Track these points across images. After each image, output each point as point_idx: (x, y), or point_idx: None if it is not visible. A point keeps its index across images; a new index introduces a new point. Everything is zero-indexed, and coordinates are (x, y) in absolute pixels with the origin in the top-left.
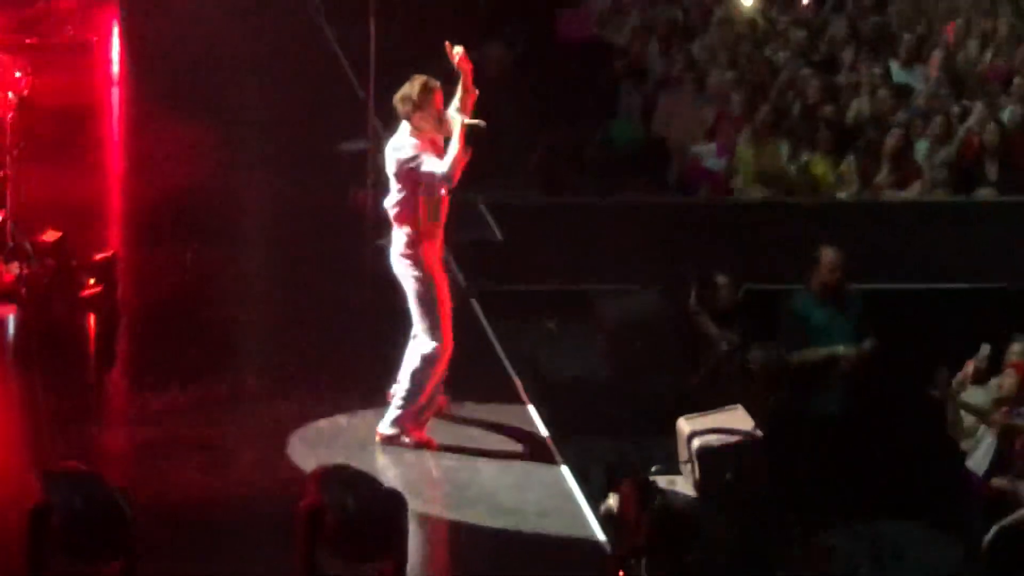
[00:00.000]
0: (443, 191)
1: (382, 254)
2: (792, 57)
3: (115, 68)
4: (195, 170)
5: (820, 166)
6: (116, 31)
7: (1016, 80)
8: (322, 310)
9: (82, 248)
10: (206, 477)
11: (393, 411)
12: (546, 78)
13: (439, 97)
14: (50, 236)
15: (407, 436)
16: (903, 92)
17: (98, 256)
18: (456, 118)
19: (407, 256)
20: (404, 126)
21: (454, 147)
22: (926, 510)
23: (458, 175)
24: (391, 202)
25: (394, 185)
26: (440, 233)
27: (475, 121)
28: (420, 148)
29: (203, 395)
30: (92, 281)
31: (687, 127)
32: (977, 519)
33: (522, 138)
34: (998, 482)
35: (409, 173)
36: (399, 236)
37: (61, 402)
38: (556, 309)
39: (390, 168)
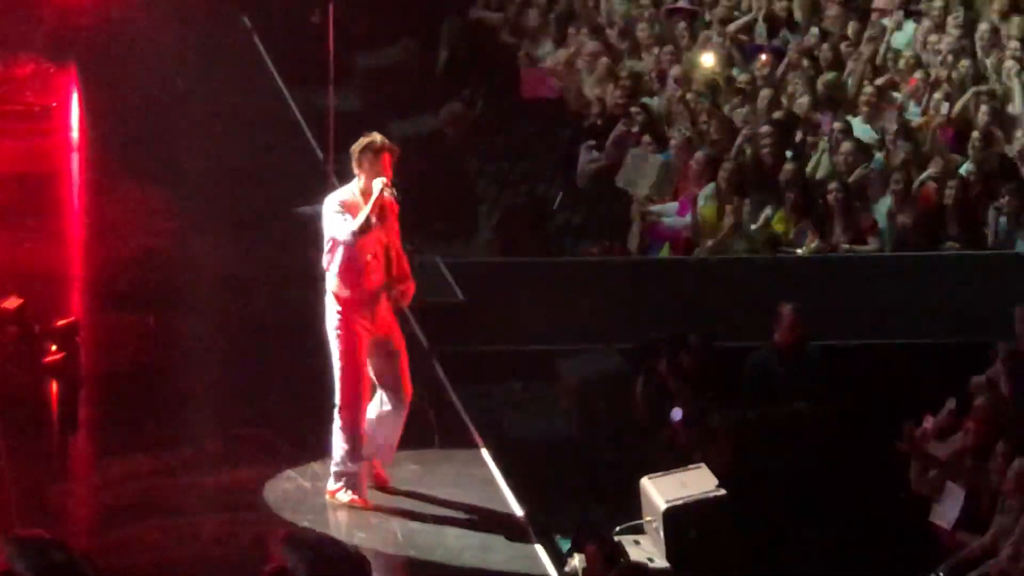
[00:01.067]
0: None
1: None
2: (751, 114)
3: (75, 134)
4: (155, 235)
5: (781, 223)
6: (75, 97)
7: (973, 135)
8: (283, 374)
9: (44, 314)
10: (170, 542)
11: (333, 470)
12: (507, 137)
13: (386, 158)
14: (11, 303)
15: (346, 495)
16: (863, 148)
17: (60, 322)
18: (377, 184)
19: (329, 323)
20: (353, 181)
21: (363, 212)
22: (893, 565)
23: (360, 239)
24: (324, 266)
25: (325, 248)
26: (381, 299)
27: (391, 190)
28: (342, 207)
29: (165, 460)
30: (54, 347)
31: (653, 185)
32: (944, 573)
33: (483, 197)
34: (964, 536)
35: (328, 234)
36: (328, 300)
37: (24, 468)
38: (520, 370)
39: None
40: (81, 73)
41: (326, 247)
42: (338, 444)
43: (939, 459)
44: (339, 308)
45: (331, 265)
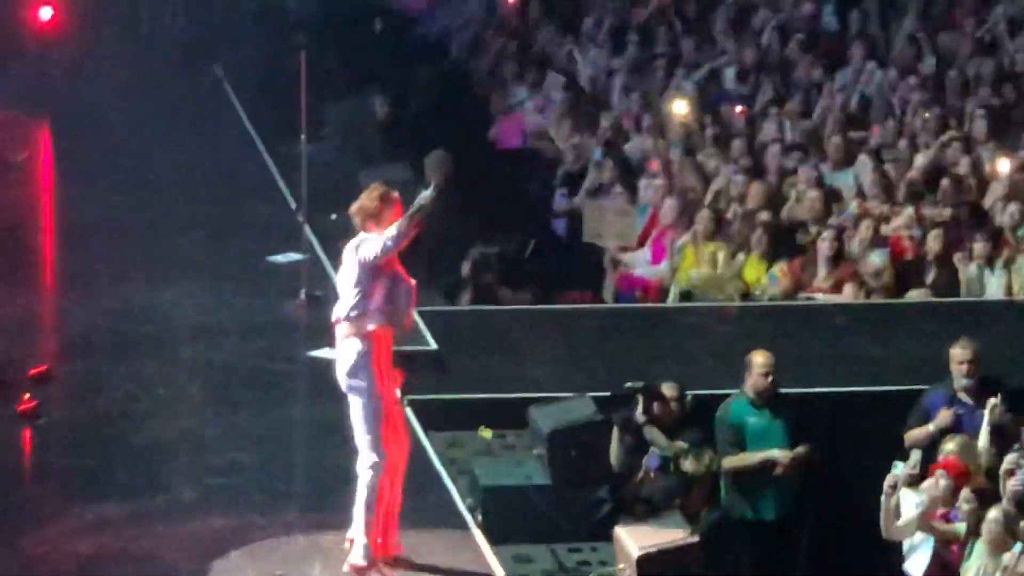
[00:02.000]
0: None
1: (316, 366)
2: (724, 163)
3: (47, 185)
4: (127, 284)
5: (753, 270)
6: (47, 149)
7: (943, 182)
8: (256, 422)
9: (17, 363)
10: None
11: (360, 542)
12: (480, 185)
13: (398, 207)
14: None
15: (379, 573)
16: (835, 195)
17: (33, 371)
18: (427, 193)
19: (357, 368)
20: (360, 236)
21: (405, 217)
22: None
23: (402, 241)
24: (348, 310)
25: (352, 291)
26: (390, 344)
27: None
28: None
29: (139, 508)
30: (27, 395)
31: (619, 234)
32: None
33: (456, 245)
34: None
35: (363, 261)
36: (350, 347)
37: None
38: (492, 417)
39: (347, 274)
40: (53, 125)
41: (353, 294)
42: (368, 520)
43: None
44: (371, 346)
45: (365, 303)
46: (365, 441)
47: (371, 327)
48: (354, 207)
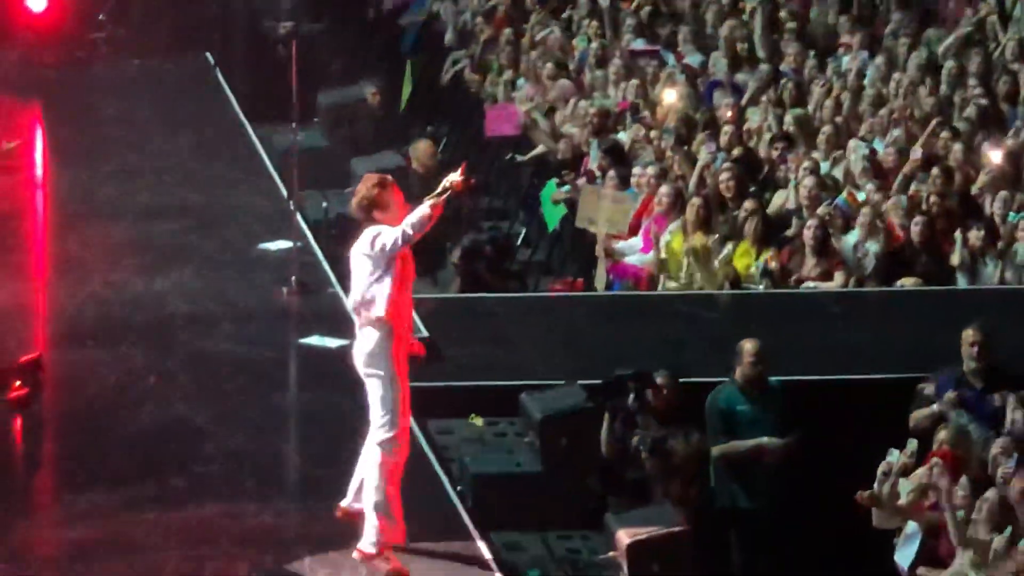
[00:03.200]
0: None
1: (307, 354)
2: (716, 150)
3: (38, 171)
4: (119, 271)
5: (744, 258)
6: (39, 135)
7: (934, 170)
8: (247, 410)
9: (7, 350)
10: None
11: (372, 526)
12: (470, 173)
13: (397, 191)
14: None
15: (385, 563)
16: (827, 183)
17: (24, 358)
18: (452, 178)
19: (375, 355)
20: (373, 227)
21: (425, 204)
22: None
23: (422, 229)
24: (363, 298)
25: (366, 281)
26: (407, 335)
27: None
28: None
29: (130, 496)
30: (18, 383)
31: (612, 221)
32: None
33: (446, 233)
34: (924, 572)
35: (381, 251)
36: (367, 336)
37: None
38: (483, 405)
39: (362, 264)
40: (45, 111)
41: (369, 283)
42: (378, 501)
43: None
44: (388, 333)
45: (381, 292)
46: (381, 420)
47: (387, 316)
48: (354, 201)
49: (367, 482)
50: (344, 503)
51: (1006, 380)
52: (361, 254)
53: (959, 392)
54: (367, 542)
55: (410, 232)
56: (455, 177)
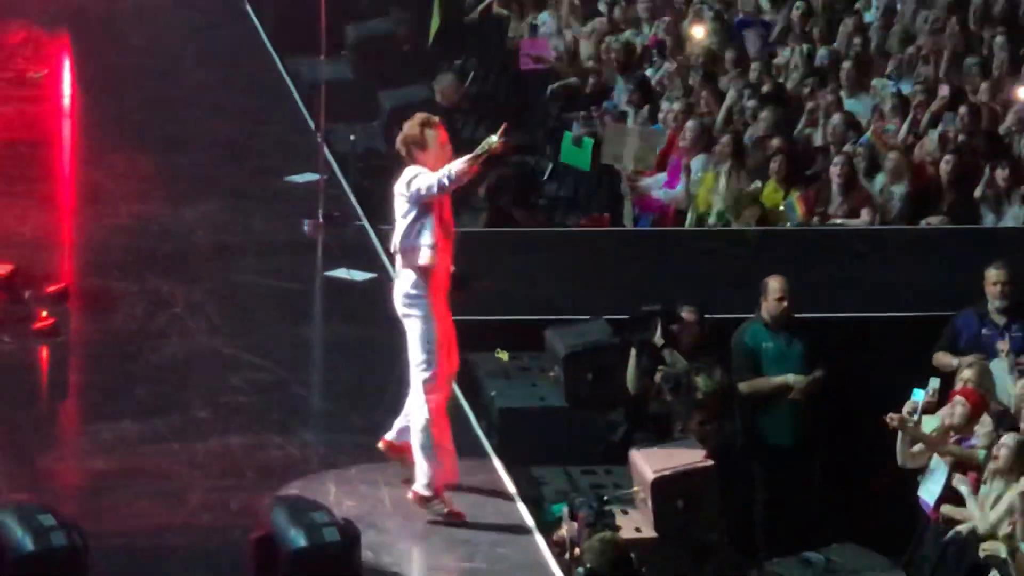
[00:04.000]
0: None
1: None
2: (743, 88)
3: (66, 101)
4: (146, 202)
5: (771, 195)
6: (67, 64)
7: (961, 109)
8: (274, 342)
9: (34, 280)
10: (159, 509)
11: (422, 470)
12: (498, 107)
13: (443, 131)
14: (1, 269)
15: (441, 504)
16: (854, 121)
17: (50, 288)
18: (491, 140)
19: (413, 296)
20: (412, 168)
21: (465, 159)
22: (878, 539)
23: (458, 181)
24: (403, 240)
25: (405, 222)
26: (446, 278)
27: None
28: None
29: (155, 427)
30: (44, 313)
31: (639, 157)
32: (929, 547)
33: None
34: (948, 509)
35: (415, 195)
36: (405, 278)
37: (13, 434)
38: (507, 340)
39: (400, 203)
40: (73, 41)
41: (408, 224)
42: (424, 442)
43: (924, 434)
44: (424, 278)
45: (417, 237)
46: (420, 360)
47: (424, 261)
48: (399, 140)
49: (413, 423)
50: (388, 436)
51: None
52: (399, 193)
53: (982, 330)
54: (420, 484)
55: (445, 183)
56: (494, 139)
